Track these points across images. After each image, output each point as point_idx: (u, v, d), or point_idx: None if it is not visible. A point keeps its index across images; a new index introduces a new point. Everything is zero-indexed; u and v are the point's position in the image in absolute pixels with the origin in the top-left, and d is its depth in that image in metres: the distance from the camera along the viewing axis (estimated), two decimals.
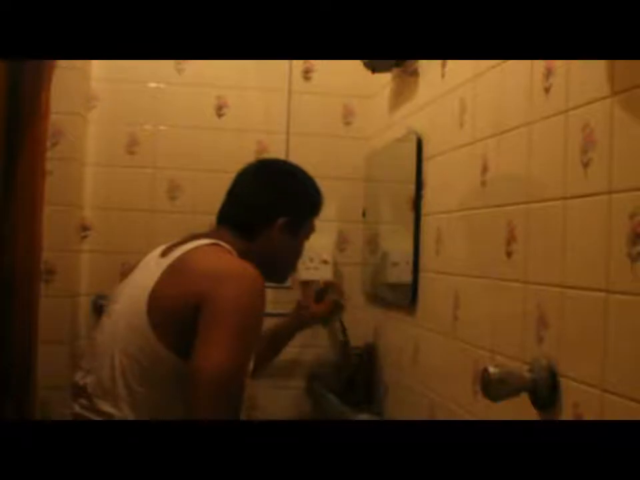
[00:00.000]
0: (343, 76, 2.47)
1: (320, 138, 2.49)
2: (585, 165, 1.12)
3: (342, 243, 2.49)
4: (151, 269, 1.42)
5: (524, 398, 1.20)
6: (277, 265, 1.56)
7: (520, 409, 1.23)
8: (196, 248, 1.43)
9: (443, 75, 1.78)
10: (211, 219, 2.42)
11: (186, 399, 1.27)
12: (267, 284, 1.40)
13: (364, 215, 2.48)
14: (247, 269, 1.36)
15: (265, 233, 1.52)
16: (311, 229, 1.64)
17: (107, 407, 1.35)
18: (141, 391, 1.33)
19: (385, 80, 2.28)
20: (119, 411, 1.33)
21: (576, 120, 1.15)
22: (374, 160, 2.39)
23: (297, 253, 1.62)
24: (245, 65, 2.40)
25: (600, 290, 1.06)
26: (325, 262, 2.41)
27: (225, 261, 1.40)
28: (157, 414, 1.33)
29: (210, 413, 1.23)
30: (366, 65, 2.14)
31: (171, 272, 1.37)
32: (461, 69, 1.65)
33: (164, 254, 1.45)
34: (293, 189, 1.58)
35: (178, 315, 1.32)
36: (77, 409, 1.40)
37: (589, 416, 1.08)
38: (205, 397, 1.24)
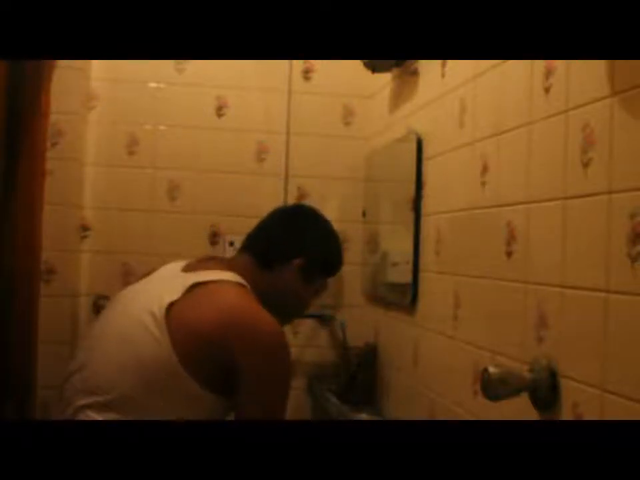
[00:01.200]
0: (343, 76, 2.47)
1: (320, 138, 2.49)
2: (585, 165, 1.12)
3: (342, 242, 2.49)
4: (172, 282, 1.45)
5: (524, 398, 1.20)
6: (285, 303, 1.59)
7: (520, 409, 1.23)
8: (224, 284, 1.45)
9: (443, 75, 1.78)
10: (211, 218, 2.45)
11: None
12: None
13: (364, 215, 2.48)
14: (276, 328, 1.42)
15: (280, 268, 1.57)
16: (322, 287, 1.68)
17: (97, 403, 1.35)
18: (141, 394, 1.34)
19: (385, 80, 2.28)
20: (109, 409, 1.34)
21: (576, 120, 1.15)
22: (374, 160, 2.39)
23: (305, 300, 1.65)
24: (244, 65, 2.40)
25: (600, 290, 1.06)
26: None
27: (254, 315, 1.42)
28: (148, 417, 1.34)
29: None
30: (366, 65, 2.14)
31: (195, 297, 1.40)
32: (461, 69, 1.65)
33: (186, 269, 1.49)
34: (319, 239, 1.64)
35: (203, 351, 1.36)
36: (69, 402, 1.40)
37: (588, 416, 1.08)
38: None
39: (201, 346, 1.35)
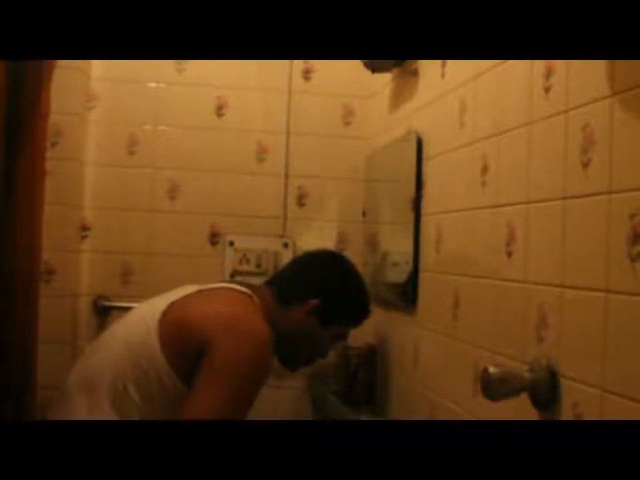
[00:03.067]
0: (342, 76, 2.47)
1: (320, 138, 2.49)
2: (585, 165, 1.12)
3: (342, 242, 2.49)
4: (184, 290, 1.50)
5: (524, 398, 1.20)
6: (298, 342, 1.61)
7: (520, 409, 1.23)
8: (227, 288, 1.46)
9: (442, 75, 1.78)
10: (211, 219, 2.45)
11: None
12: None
13: (364, 214, 2.48)
14: (259, 327, 1.41)
15: (297, 306, 1.59)
16: (341, 335, 1.70)
17: (93, 404, 1.36)
18: (136, 401, 1.35)
19: (385, 80, 2.28)
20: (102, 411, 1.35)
21: (576, 120, 1.15)
22: (374, 160, 2.39)
23: (318, 344, 1.65)
24: (244, 65, 2.40)
25: (600, 290, 1.06)
26: None
27: (243, 314, 1.43)
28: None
29: None
30: (366, 65, 2.14)
31: (196, 295, 1.43)
32: (461, 69, 1.65)
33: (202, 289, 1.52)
34: (340, 285, 1.67)
35: (185, 345, 1.37)
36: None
37: (588, 416, 1.08)
38: None
39: (182, 338, 1.36)
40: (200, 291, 1.47)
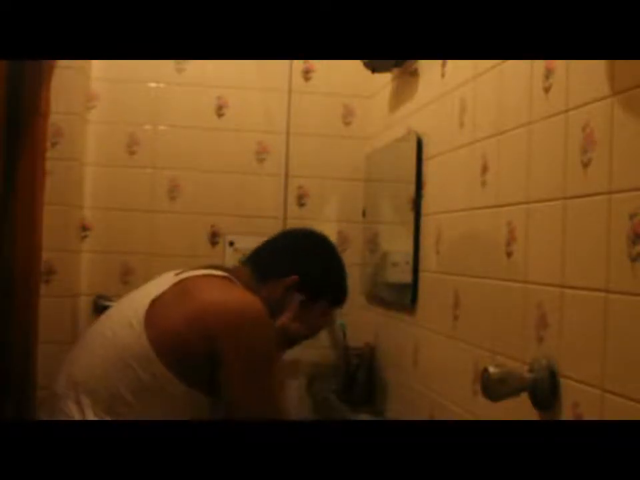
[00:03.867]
0: (342, 76, 2.47)
1: (320, 138, 2.49)
2: (585, 165, 1.12)
3: (342, 242, 2.49)
4: (161, 282, 1.48)
5: (524, 398, 1.20)
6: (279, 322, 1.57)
7: (520, 409, 1.23)
8: (207, 276, 1.46)
9: (442, 75, 1.78)
10: (211, 219, 2.45)
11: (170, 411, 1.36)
12: None
13: (364, 214, 2.48)
14: (251, 304, 1.41)
15: (275, 283, 1.56)
16: (323, 314, 1.66)
17: (84, 401, 1.36)
18: (125, 395, 1.35)
19: (385, 80, 2.28)
20: (96, 408, 1.35)
21: (576, 120, 1.15)
22: (374, 160, 2.39)
23: (300, 323, 1.60)
24: (245, 65, 2.40)
25: (600, 290, 1.06)
26: None
27: (231, 297, 1.43)
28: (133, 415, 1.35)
29: None
30: (366, 65, 2.14)
31: (178, 293, 1.42)
32: (461, 69, 1.65)
33: (178, 273, 1.50)
34: (319, 262, 1.64)
35: (178, 337, 1.36)
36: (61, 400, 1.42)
37: (588, 416, 1.08)
38: None
39: (179, 342, 1.36)
40: (179, 283, 1.44)
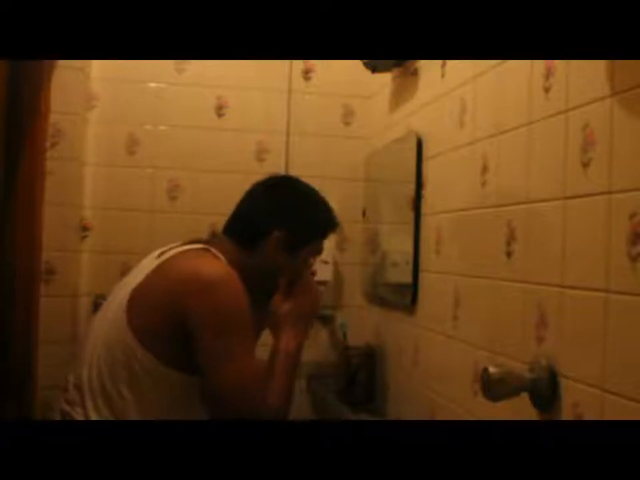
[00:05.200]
0: (342, 76, 2.47)
1: (320, 138, 2.49)
2: (585, 165, 1.12)
3: (342, 242, 2.49)
4: (144, 268, 1.45)
5: (524, 398, 1.20)
6: (273, 280, 1.52)
7: (520, 409, 1.23)
8: (184, 252, 1.44)
9: (443, 75, 1.78)
10: (211, 219, 2.45)
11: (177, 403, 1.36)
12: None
13: (364, 214, 2.48)
14: (217, 270, 1.37)
15: (261, 244, 1.50)
16: (314, 252, 1.59)
17: (85, 402, 1.36)
18: (114, 386, 1.35)
19: (385, 80, 2.28)
20: (95, 408, 1.35)
21: (576, 120, 1.15)
22: (374, 160, 2.39)
23: (294, 271, 1.54)
24: (245, 65, 2.40)
25: (600, 290, 1.06)
26: (325, 262, 2.40)
27: (197, 266, 1.38)
28: (129, 412, 1.35)
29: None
30: (366, 65, 2.14)
31: (156, 273, 1.41)
32: (461, 69, 1.65)
33: (160, 255, 1.47)
34: (297, 206, 1.56)
35: (154, 317, 1.35)
36: (63, 404, 1.42)
37: (588, 416, 1.08)
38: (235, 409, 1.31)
39: (154, 318, 1.35)
40: (158, 268, 1.42)
